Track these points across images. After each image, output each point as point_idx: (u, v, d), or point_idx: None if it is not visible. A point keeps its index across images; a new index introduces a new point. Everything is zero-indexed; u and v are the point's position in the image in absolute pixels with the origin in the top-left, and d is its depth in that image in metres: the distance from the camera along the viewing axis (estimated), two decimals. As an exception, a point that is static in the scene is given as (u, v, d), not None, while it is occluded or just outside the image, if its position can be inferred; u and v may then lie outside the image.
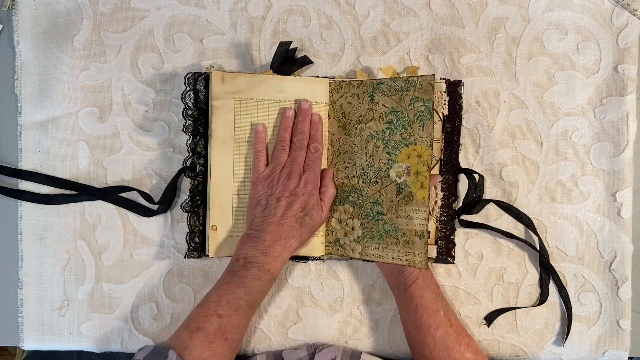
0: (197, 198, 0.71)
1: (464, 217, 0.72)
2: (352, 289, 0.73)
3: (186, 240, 0.71)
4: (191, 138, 0.71)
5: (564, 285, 0.72)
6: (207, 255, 0.69)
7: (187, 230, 0.71)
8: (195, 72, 0.71)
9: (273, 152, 0.68)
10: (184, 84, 0.71)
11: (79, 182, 0.72)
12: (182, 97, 0.71)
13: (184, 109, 0.71)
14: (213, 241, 0.68)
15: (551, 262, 0.72)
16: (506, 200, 0.73)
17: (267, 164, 0.68)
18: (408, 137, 0.64)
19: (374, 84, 0.67)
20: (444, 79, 0.72)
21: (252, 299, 0.62)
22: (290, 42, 0.70)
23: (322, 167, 0.70)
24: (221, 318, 0.61)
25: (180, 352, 0.59)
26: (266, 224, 0.64)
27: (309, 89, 0.69)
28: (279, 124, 0.69)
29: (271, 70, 0.71)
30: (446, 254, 0.72)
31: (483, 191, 0.72)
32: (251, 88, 0.68)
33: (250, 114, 0.68)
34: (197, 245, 0.71)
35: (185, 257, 0.71)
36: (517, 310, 0.73)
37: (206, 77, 0.70)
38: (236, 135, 0.68)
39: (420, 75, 0.63)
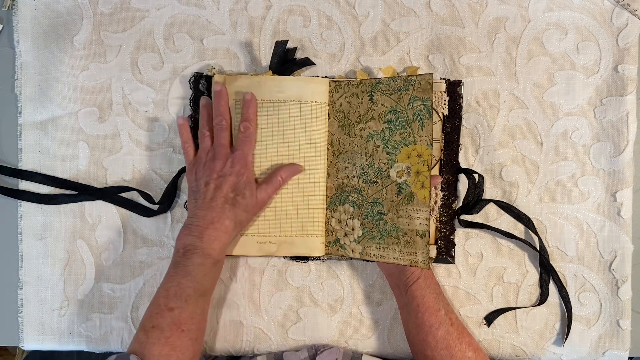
0: (197, 198, 0.71)
1: (464, 217, 0.72)
2: (352, 289, 0.73)
3: (186, 240, 0.71)
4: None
5: (564, 285, 0.72)
6: None
7: (187, 230, 0.71)
8: (197, 73, 0.71)
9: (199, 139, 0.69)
10: (190, 88, 0.71)
11: (79, 182, 0.72)
12: (190, 101, 0.71)
13: (190, 112, 0.71)
14: None
15: (551, 262, 0.72)
16: (506, 200, 0.73)
17: (196, 153, 0.68)
18: (408, 136, 0.64)
19: (373, 84, 0.67)
20: (443, 79, 0.72)
21: (200, 286, 0.62)
22: (287, 41, 0.70)
23: (321, 167, 0.70)
24: (173, 311, 0.60)
25: (140, 354, 0.58)
26: (197, 209, 0.64)
27: (308, 89, 0.69)
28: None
29: (270, 71, 0.71)
30: (446, 254, 0.72)
31: (483, 191, 0.72)
32: (251, 89, 0.68)
33: None
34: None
35: (185, 257, 0.71)
36: (517, 310, 0.73)
37: (207, 78, 0.70)
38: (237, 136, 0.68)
39: (419, 75, 0.63)
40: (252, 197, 0.65)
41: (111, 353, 0.73)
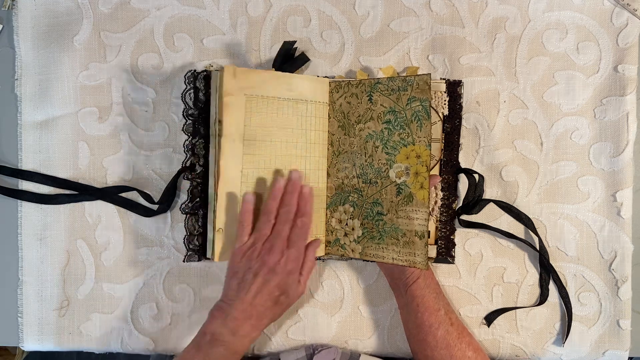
0: (197, 200, 0.69)
1: (464, 217, 0.72)
2: (352, 289, 0.73)
3: (184, 243, 0.70)
4: (190, 138, 0.70)
5: (564, 285, 0.72)
6: (209, 259, 0.67)
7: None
8: (195, 70, 0.70)
9: (258, 221, 0.63)
10: (185, 82, 0.71)
11: (79, 182, 0.72)
12: (182, 96, 0.71)
13: (184, 108, 0.71)
14: (219, 245, 0.65)
15: (551, 262, 0.72)
16: (506, 200, 0.73)
17: (251, 234, 0.63)
18: (406, 137, 0.64)
19: (372, 84, 0.67)
20: (444, 79, 0.72)
21: None
22: (294, 42, 0.70)
23: (322, 167, 0.70)
24: None
25: None
26: (238, 301, 0.61)
27: (313, 88, 0.68)
28: (270, 188, 0.65)
29: (273, 69, 0.71)
30: (446, 254, 0.72)
31: (483, 191, 0.72)
32: (262, 85, 0.66)
33: (261, 111, 0.66)
34: (197, 247, 0.69)
35: (184, 262, 0.69)
36: (517, 310, 0.73)
37: (206, 76, 0.70)
38: (246, 134, 0.66)
39: (417, 75, 0.63)
40: (295, 296, 0.63)
41: (111, 353, 0.73)
